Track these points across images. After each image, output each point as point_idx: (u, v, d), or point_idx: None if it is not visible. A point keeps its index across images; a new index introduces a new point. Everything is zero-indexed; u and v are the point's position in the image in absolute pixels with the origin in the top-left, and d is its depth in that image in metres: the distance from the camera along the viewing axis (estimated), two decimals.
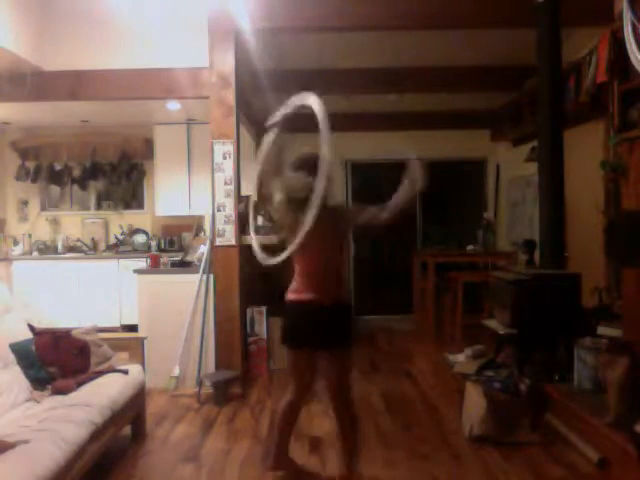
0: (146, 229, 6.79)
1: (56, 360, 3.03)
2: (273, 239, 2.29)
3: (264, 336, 4.65)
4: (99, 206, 6.93)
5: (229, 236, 4.17)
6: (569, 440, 3.13)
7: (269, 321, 4.67)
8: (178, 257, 5.05)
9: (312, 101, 2.30)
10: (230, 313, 4.20)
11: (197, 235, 5.65)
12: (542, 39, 3.91)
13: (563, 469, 2.84)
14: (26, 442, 2.17)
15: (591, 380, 3.29)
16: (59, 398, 2.75)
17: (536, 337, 3.71)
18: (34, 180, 6.71)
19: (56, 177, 6.75)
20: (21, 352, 2.96)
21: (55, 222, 6.83)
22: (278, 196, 2.45)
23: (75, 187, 6.83)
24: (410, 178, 2.34)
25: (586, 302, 3.95)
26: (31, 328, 3.23)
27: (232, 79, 4.19)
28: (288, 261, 2.49)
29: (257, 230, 3.32)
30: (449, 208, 7.64)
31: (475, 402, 3.27)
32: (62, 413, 2.51)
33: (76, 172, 6.77)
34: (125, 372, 3.18)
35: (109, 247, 6.75)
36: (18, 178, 6.67)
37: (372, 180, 7.54)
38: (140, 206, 6.92)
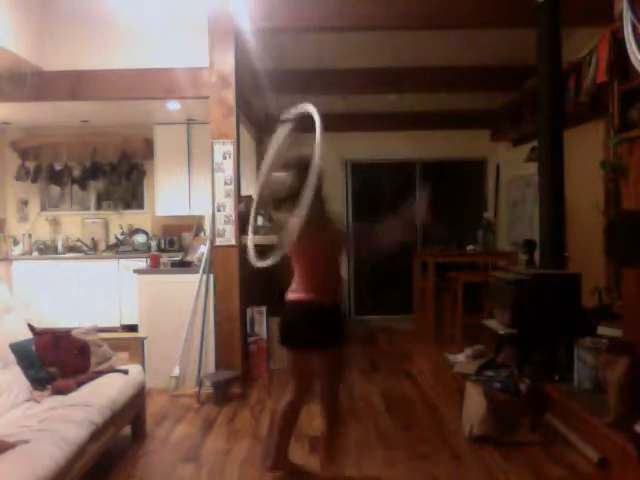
0: (146, 229, 6.79)
1: (56, 360, 3.03)
2: (273, 239, 2.28)
3: (264, 336, 4.65)
4: (99, 206, 6.92)
5: (229, 236, 4.17)
6: (569, 440, 3.13)
7: (269, 321, 4.67)
8: (178, 257, 5.05)
9: (311, 110, 2.30)
10: (230, 313, 4.20)
11: (197, 235, 5.65)
12: (542, 39, 3.91)
13: (563, 469, 2.84)
14: (26, 442, 2.17)
15: (591, 380, 3.29)
16: (59, 398, 2.75)
17: (536, 337, 3.71)
18: (34, 180, 6.71)
19: (56, 177, 6.75)
20: (21, 352, 2.96)
21: (55, 222, 6.83)
22: (264, 194, 2.48)
23: (75, 187, 6.83)
24: (413, 210, 2.36)
25: (586, 302, 3.95)
26: (31, 328, 3.23)
27: (232, 79, 4.19)
28: (288, 262, 2.50)
29: (257, 230, 3.32)
30: (449, 208, 7.63)
31: (475, 402, 3.27)
32: (62, 413, 2.52)
33: (76, 172, 6.77)
34: (125, 372, 3.18)
35: (109, 247, 6.75)
36: (18, 178, 6.67)
37: (372, 180, 7.55)
38: (140, 206, 6.92)
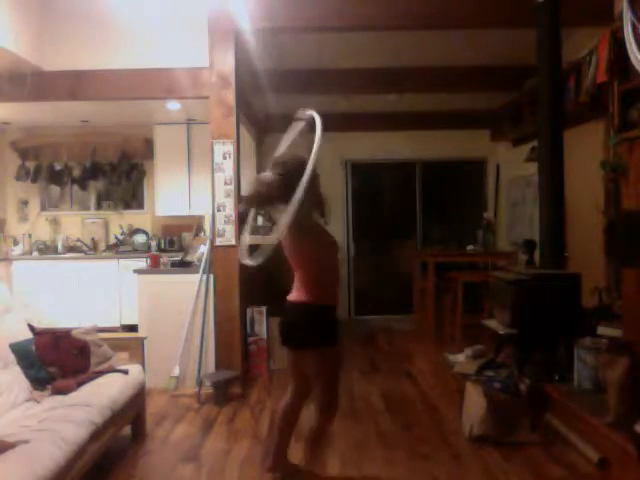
0: (146, 229, 6.79)
1: (56, 360, 3.03)
2: (273, 239, 2.28)
3: (264, 336, 4.65)
4: (99, 206, 6.92)
5: (229, 236, 4.17)
6: (569, 440, 3.13)
7: (269, 321, 4.67)
8: (178, 257, 5.05)
9: (315, 116, 2.30)
10: (230, 313, 4.20)
11: (197, 235, 5.65)
12: (542, 39, 3.91)
13: (563, 469, 2.84)
14: (26, 442, 2.17)
15: (591, 380, 3.29)
16: (59, 398, 2.75)
17: (536, 337, 3.71)
18: (34, 180, 6.71)
19: (56, 177, 6.75)
20: (21, 352, 2.96)
21: (55, 222, 6.83)
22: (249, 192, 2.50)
23: (75, 187, 6.82)
24: None
25: (586, 302, 3.96)
26: (31, 328, 3.23)
27: (232, 79, 4.19)
28: (288, 263, 2.51)
29: (257, 230, 3.32)
30: (449, 208, 7.64)
31: (475, 402, 3.27)
32: (62, 413, 2.52)
33: (76, 172, 6.77)
34: (125, 372, 3.18)
35: (109, 247, 6.75)
36: (18, 178, 6.66)
37: (372, 180, 7.55)
38: (140, 206, 6.92)
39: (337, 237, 2.71)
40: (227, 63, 4.18)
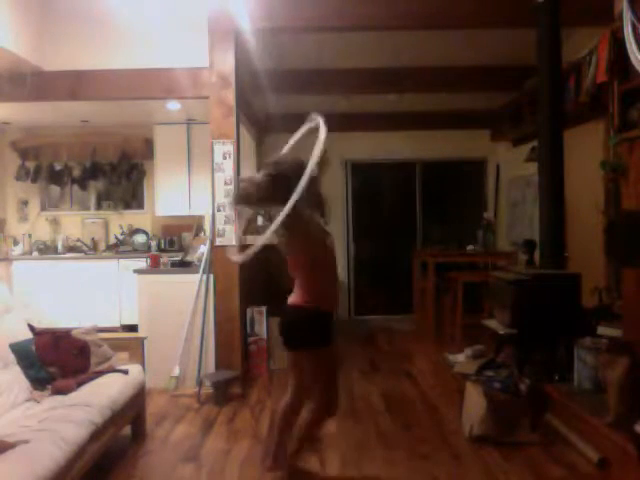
0: (146, 229, 6.79)
1: (56, 360, 3.03)
2: (264, 239, 2.29)
3: (264, 336, 4.65)
4: (99, 206, 6.92)
5: (229, 236, 4.17)
6: (569, 440, 3.13)
7: (269, 321, 4.67)
8: (178, 257, 5.05)
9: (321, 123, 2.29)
10: (230, 313, 4.20)
11: (197, 235, 5.65)
12: (542, 39, 3.91)
13: (563, 469, 2.84)
14: (26, 442, 2.17)
15: (591, 380, 3.29)
16: (59, 398, 2.75)
17: (536, 337, 3.71)
18: (34, 180, 6.71)
19: (56, 177, 6.75)
20: (21, 352, 2.96)
21: (55, 222, 6.83)
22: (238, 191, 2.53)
23: (75, 187, 6.83)
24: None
25: (586, 302, 3.96)
26: (31, 328, 3.23)
27: (232, 79, 4.19)
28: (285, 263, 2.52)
29: (257, 230, 3.32)
30: (449, 208, 7.64)
31: (475, 402, 3.27)
32: (62, 413, 2.52)
33: (76, 172, 6.77)
34: (125, 372, 3.18)
35: (109, 247, 6.75)
36: (18, 178, 6.67)
37: (372, 180, 7.56)
38: (140, 206, 6.92)
39: (337, 237, 2.71)
40: (227, 63, 4.18)
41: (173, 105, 5.41)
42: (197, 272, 4.32)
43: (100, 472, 2.78)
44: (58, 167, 6.75)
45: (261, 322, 4.66)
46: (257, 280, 4.95)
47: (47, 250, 6.58)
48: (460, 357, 4.81)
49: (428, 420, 3.59)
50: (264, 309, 4.67)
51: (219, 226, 4.19)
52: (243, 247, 2.65)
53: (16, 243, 6.54)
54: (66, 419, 2.44)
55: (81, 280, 6.21)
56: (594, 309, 3.97)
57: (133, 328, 4.91)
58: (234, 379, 4.07)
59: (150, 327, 4.29)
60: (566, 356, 3.53)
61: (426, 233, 7.54)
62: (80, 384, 2.92)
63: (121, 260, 6.28)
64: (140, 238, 6.70)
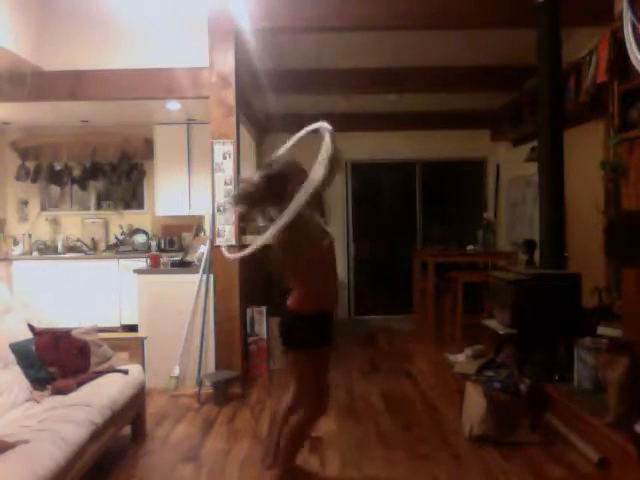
0: (146, 229, 6.79)
1: (56, 360, 3.03)
2: (263, 239, 2.30)
3: (264, 336, 4.65)
4: (99, 206, 6.92)
5: (229, 236, 4.17)
6: (569, 440, 3.13)
7: (269, 321, 4.67)
8: (178, 257, 5.05)
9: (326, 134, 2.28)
10: (230, 313, 4.20)
11: (197, 235, 5.65)
12: (542, 39, 3.91)
13: (563, 469, 2.84)
14: (26, 442, 2.17)
15: (591, 380, 3.29)
16: (59, 398, 2.75)
17: (536, 337, 3.71)
18: (34, 180, 6.71)
19: (56, 177, 6.75)
20: (21, 352, 2.96)
21: (55, 222, 6.83)
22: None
23: (75, 187, 6.82)
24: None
25: (586, 302, 3.95)
26: (31, 328, 3.23)
27: (232, 79, 4.19)
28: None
29: (258, 230, 3.32)
30: (449, 208, 7.64)
31: (475, 402, 3.27)
32: (62, 413, 2.52)
33: (76, 172, 6.77)
34: (125, 372, 3.18)
35: (109, 247, 6.75)
36: (18, 178, 6.67)
37: (372, 180, 7.56)
38: (140, 206, 6.92)
39: (337, 237, 2.71)
40: (227, 63, 4.18)
41: (173, 105, 5.41)
42: (197, 272, 4.32)
43: (100, 472, 2.78)
44: (58, 167, 6.75)
45: (261, 322, 4.66)
46: (257, 280, 4.95)
47: (47, 250, 6.58)
48: (460, 357, 4.81)
49: (428, 420, 3.59)
50: (264, 309, 4.67)
51: (219, 226, 4.19)
52: (243, 247, 2.66)
53: (16, 243, 6.54)
54: (66, 419, 2.44)
55: (81, 280, 6.21)
56: (594, 309, 3.97)
57: (133, 328, 4.91)
58: (234, 379, 4.07)
59: (150, 327, 4.29)
60: (566, 356, 3.53)
61: (426, 233, 7.54)
62: (80, 384, 2.93)
63: (121, 260, 6.28)
64: (140, 238, 6.70)
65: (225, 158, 4.17)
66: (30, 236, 6.65)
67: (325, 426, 3.37)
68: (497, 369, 3.71)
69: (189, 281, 4.31)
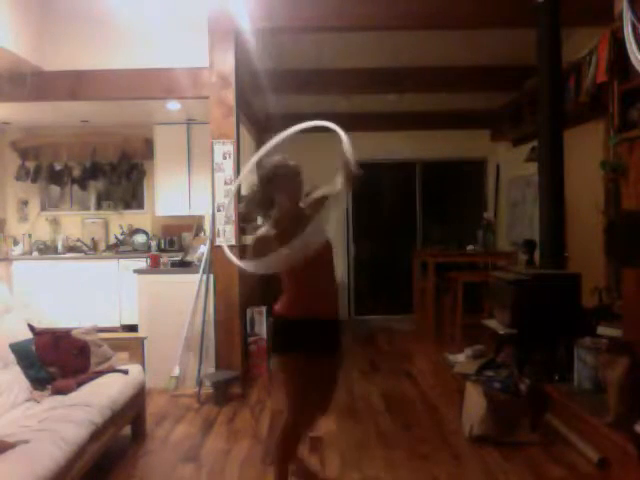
0: (146, 229, 6.79)
1: (56, 360, 3.03)
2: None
3: (264, 336, 4.65)
4: (99, 206, 6.92)
5: (229, 236, 4.17)
6: (569, 440, 3.13)
7: (269, 321, 4.66)
8: (178, 257, 5.05)
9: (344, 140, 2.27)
10: (230, 313, 4.20)
11: (197, 235, 5.65)
12: (542, 39, 3.91)
13: (563, 469, 2.84)
14: (26, 442, 2.17)
15: (591, 380, 3.29)
16: (59, 398, 2.75)
17: (536, 337, 3.71)
18: (34, 180, 6.71)
19: (56, 177, 6.75)
20: (21, 352, 2.96)
21: (55, 222, 6.83)
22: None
23: (75, 187, 6.82)
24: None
25: (586, 302, 3.95)
26: (31, 328, 3.23)
27: (232, 79, 4.19)
28: None
29: (255, 230, 3.32)
30: (449, 208, 7.64)
31: (475, 402, 3.27)
32: (62, 413, 2.52)
33: (76, 172, 6.77)
34: (125, 372, 3.18)
35: (109, 247, 6.74)
36: (18, 178, 6.66)
37: (372, 180, 7.55)
38: (140, 206, 6.92)
39: (337, 237, 2.69)
40: (227, 63, 4.18)
41: (173, 105, 5.41)
42: (197, 272, 4.32)
43: (100, 472, 2.78)
44: (58, 167, 6.75)
45: (261, 322, 4.66)
46: (257, 280, 4.95)
47: (47, 250, 6.58)
48: (460, 357, 4.81)
49: (428, 420, 3.59)
50: (264, 309, 4.67)
51: (219, 226, 4.18)
52: (242, 247, 2.65)
53: (16, 243, 6.54)
54: (66, 419, 2.44)
55: (81, 280, 6.21)
56: (594, 309, 3.97)
57: (133, 328, 4.91)
58: (234, 379, 4.07)
59: (150, 327, 4.29)
60: (566, 356, 3.53)
61: (426, 233, 7.54)
62: (80, 384, 2.93)
63: (121, 260, 6.28)
64: (140, 238, 6.70)
65: (225, 158, 4.17)
66: (30, 236, 6.65)
67: (325, 426, 3.37)
68: (497, 369, 3.71)
69: (189, 281, 4.31)
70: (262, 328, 4.66)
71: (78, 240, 6.73)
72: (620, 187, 3.53)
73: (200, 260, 4.37)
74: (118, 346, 3.58)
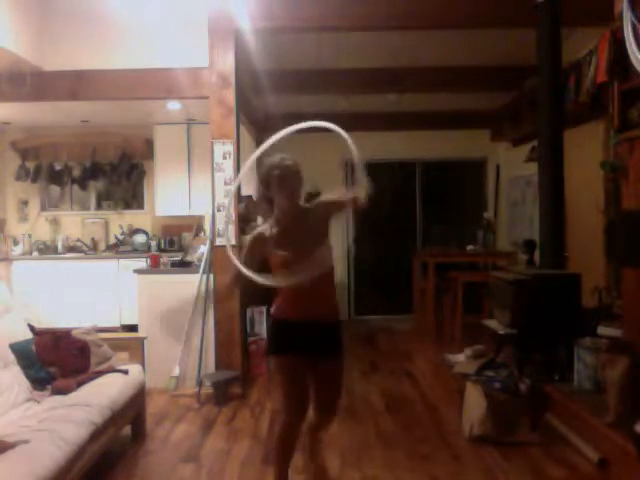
0: (146, 229, 6.79)
1: (56, 360, 3.03)
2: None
3: (264, 336, 4.65)
4: (99, 206, 6.93)
5: (229, 236, 4.16)
6: (569, 440, 3.13)
7: (269, 321, 4.66)
8: (178, 257, 5.05)
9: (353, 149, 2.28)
10: (230, 313, 4.20)
11: (197, 235, 5.65)
12: (542, 39, 3.91)
13: (563, 469, 2.84)
14: (26, 442, 2.17)
15: (591, 380, 3.29)
16: (59, 398, 2.75)
17: (536, 337, 3.71)
18: (34, 180, 6.71)
19: (56, 177, 6.75)
20: (21, 352, 2.96)
21: (55, 222, 6.83)
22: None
23: (75, 187, 6.83)
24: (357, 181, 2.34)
25: (586, 302, 3.95)
26: (31, 328, 3.23)
27: (232, 79, 4.19)
28: None
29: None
30: (449, 208, 7.64)
31: (475, 402, 3.27)
32: (62, 413, 2.52)
33: (76, 172, 6.77)
34: (125, 372, 3.18)
35: (109, 247, 6.75)
36: (18, 178, 6.66)
37: (372, 180, 7.55)
38: (140, 206, 6.92)
39: (337, 237, 2.68)
40: (227, 63, 4.18)
41: (173, 105, 5.41)
42: (197, 272, 4.32)
43: (100, 472, 2.78)
44: (58, 167, 6.75)
45: (261, 322, 4.66)
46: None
47: (47, 250, 6.58)
48: (460, 357, 4.80)
49: (428, 420, 3.59)
50: (264, 309, 4.67)
51: (219, 226, 4.18)
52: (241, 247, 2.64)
53: (16, 243, 6.54)
54: (66, 419, 2.44)
55: (81, 280, 6.21)
56: (594, 309, 3.97)
57: (133, 328, 4.91)
58: (234, 379, 4.07)
59: (150, 327, 4.29)
60: (566, 356, 3.53)
61: (426, 233, 7.54)
62: (80, 384, 2.92)
63: (121, 260, 6.28)
64: (140, 238, 6.70)
65: (225, 158, 4.17)
66: (30, 236, 6.65)
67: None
68: (497, 369, 3.70)
69: (189, 281, 4.31)
70: (262, 328, 4.66)
71: (78, 240, 6.73)
72: (620, 187, 3.53)
73: (200, 260, 4.36)
74: (118, 346, 3.58)
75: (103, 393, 2.83)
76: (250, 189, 5.87)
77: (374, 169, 7.50)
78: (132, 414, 3.17)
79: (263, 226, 2.38)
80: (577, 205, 4.77)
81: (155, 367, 4.20)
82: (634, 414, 2.71)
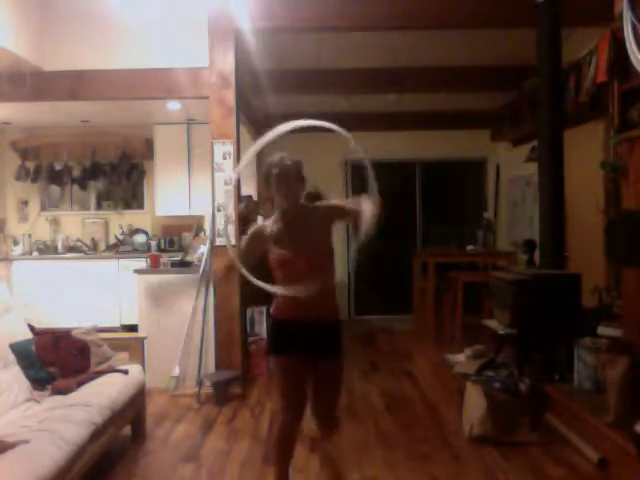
0: (146, 229, 6.79)
1: (56, 360, 3.03)
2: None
3: (264, 336, 4.65)
4: (99, 206, 6.93)
5: (230, 236, 4.16)
6: (569, 440, 3.13)
7: (269, 321, 4.66)
8: (178, 257, 5.04)
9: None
10: (230, 313, 4.20)
11: (197, 235, 5.65)
12: (542, 39, 3.91)
13: (563, 469, 2.84)
14: (26, 442, 2.17)
15: (591, 380, 3.29)
16: (59, 398, 2.75)
17: (536, 337, 3.71)
18: (34, 180, 6.71)
19: (56, 177, 6.75)
20: (21, 352, 2.96)
21: (55, 222, 6.83)
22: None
23: (75, 187, 6.82)
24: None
25: (586, 302, 3.95)
26: (31, 328, 3.23)
27: (232, 79, 4.19)
28: None
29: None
30: (449, 208, 7.64)
31: (475, 402, 3.27)
32: (62, 413, 2.52)
33: (76, 172, 6.77)
34: (125, 372, 3.18)
35: (109, 247, 6.75)
36: (18, 178, 6.66)
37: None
38: (140, 206, 6.92)
39: (336, 237, 2.67)
40: (227, 63, 4.18)
41: (173, 105, 5.41)
42: (197, 272, 4.32)
43: (100, 472, 2.78)
44: (58, 167, 6.75)
45: (261, 322, 4.66)
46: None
47: (47, 250, 6.58)
48: (460, 357, 4.80)
49: (428, 420, 3.59)
50: (264, 309, 4.67)
51: (219, 226, 4.18)
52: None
53: (16, 243, 6.54)
54: (66, 419, 2.44)
55: (81, 280, 6.21)
56: (594, 309, 3.97)
57: (133, 328, 4.90)
58: (234, 379, 4.07)
59: (150, 327, 4.29)
60: (566, 356, 3.53)
61: (426, 233, 7.53)
62: (80, 384, 2.92)
63: (121, 260, 6.28)
64: (140, 238, 6.70)
65: (225, 158, 4.17)
66: (30, 236, 6.65)
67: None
68: (497, 369, 3.70)
69: (189, 281, 4.31)
70: (262, 328, 4.66)
71: (78, 240, 6.73)
72: (620, 187, 3.53)
73: (200, 260, 4.36)
74: (118, 346, 3.58)
75: (103, 393, 2.83)
76: (250, 189, 5.91)
77: (374, 169, 7.52)
78: (132, 414, 3.17)
79: (265, 222, 2.38)
80: (577, 205, 4.77)
81: (155, 367, 4.20)
82: (634, 414, 2.71)
